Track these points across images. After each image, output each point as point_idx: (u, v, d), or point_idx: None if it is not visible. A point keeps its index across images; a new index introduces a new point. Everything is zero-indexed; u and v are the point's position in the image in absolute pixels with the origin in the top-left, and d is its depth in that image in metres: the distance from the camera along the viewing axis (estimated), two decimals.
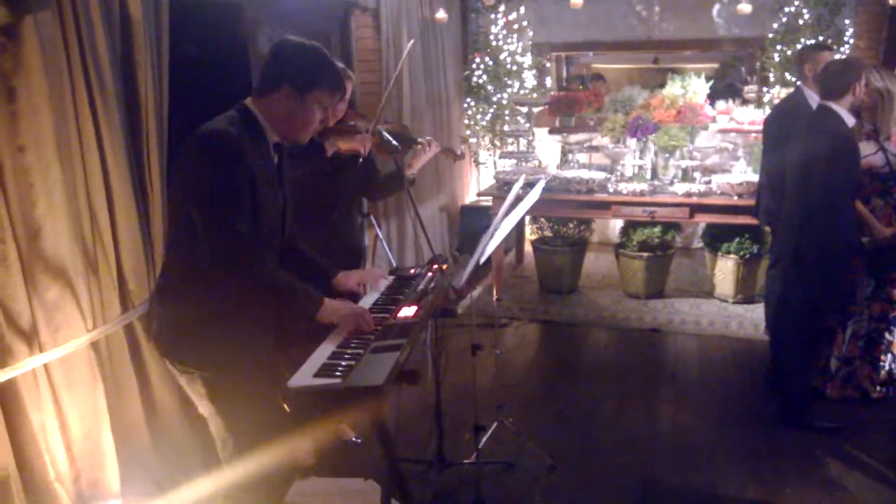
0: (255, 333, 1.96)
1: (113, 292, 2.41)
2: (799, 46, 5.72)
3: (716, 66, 8.72)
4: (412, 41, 3.45)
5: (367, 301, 2.18)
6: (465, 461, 2.87)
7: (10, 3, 1.95)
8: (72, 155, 2.21)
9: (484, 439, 2.88)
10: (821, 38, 5.67)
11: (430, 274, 2.34)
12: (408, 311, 1.96)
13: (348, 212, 3.05)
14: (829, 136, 3.13)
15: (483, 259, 2.35)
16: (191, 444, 2.65)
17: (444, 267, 2.41)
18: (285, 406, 1.59)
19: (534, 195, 2.78)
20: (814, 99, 3.83)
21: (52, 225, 2.13)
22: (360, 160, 2.89)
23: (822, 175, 3.11)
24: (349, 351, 1.74)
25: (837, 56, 4.14)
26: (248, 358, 1.94)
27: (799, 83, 4.07)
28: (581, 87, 9.31)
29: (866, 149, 3.22)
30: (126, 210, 2.41)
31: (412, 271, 2.44)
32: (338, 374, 1.59)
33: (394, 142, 2.77)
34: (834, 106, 3.18)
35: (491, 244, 2.36)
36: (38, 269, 2.11)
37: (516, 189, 2.55)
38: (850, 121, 3.18)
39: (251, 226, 1.84)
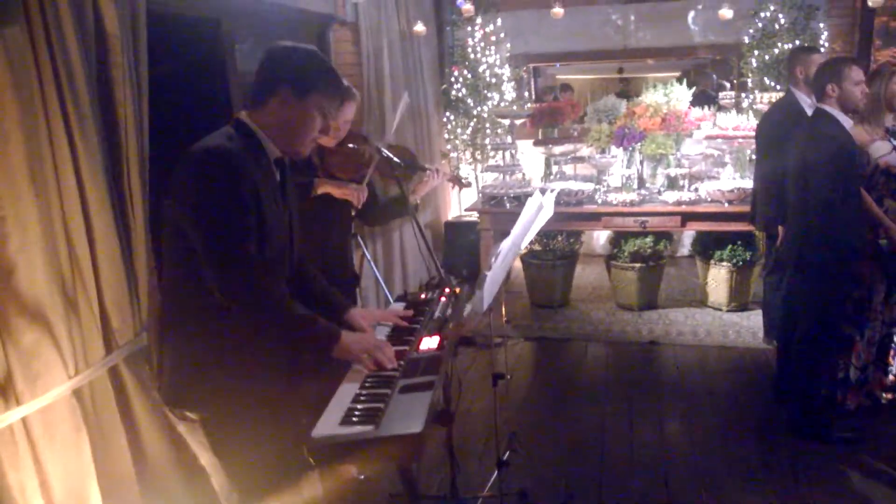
0: (262, 373, 1.77)
1: (95, 332, 2.18)
2: (776, 51, 5.75)
3: (677, 74, 8.75)
4: (406, 95, 3.31)
5: (381, 331, 2.00)
6: (481, 495, 2.70)
7: None
8: (46, 183, 1.98)
9: (495, 473, 2.71)
10: (797, 42, 5.69)
11: (443, 299, 2.17)
12: (430, 343, 1.78)
13: (342, 237, 2.87)
14: (821, 141, 3.07)
15: (503, 282, 2.19)
16: (186, 496, 2.42)
17: (458, 291, 2.25)
18: (311, 459, 1.40)
19: (547, 211, 2.63)
20: (805, 102, 3.80)
21: (27, 262, 1.90)
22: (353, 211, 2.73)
23: (819, 180, 3.05)
24: (375, 391, 1.56)
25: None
26: (255, 401, 1.75)
27: (790, 86, 4.03)
28: (554, 98, 9.29)
29: (881, 149, 3.15)
30: (107, 241, 2.19)
31: (423, 296, 2.27)
32: (368, 420, 1.41)
33: (400, 163, 2.61)
34: (828, 108, 3.12)
35: (504, 265, 2.20)
36: (13, 312, 1.89)
37: (532, 207, 2.39)
38: (847, 122, 3.13)
39: (258, 248, 1.66)
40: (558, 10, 5.21)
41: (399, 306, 2.20)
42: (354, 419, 1.43)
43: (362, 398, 1.52)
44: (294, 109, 1.76)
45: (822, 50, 5.71)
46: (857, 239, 3.11)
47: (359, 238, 3.98)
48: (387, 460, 1.42)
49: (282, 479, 1.81)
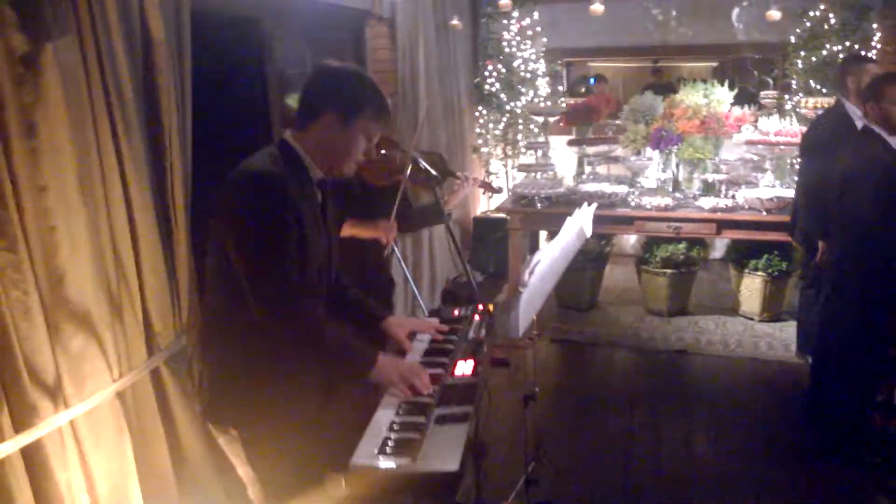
0: (299, 392, 1.80)
1: (139, 336, 2.24)
2: (824, 53, 5.60)
3: (715, 64, 8.55)
4: (426, 100, 3.26)
5: (418, 346, 2.02)
6: None
7: (28, 30, 1.78)
8: (95, 193, 2.03)
9: (521, 481, 2.73)
10: (847, 44, 5.54)
11: (477, 317, 2.17)
12: (465, 367, 1.79)
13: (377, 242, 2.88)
14: (866, 160, 3.02)
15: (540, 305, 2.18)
16: (223, 499, 2.48)
17: (491, 308, 2.25)
18: (344, 485, 1.43)
19: (586, 231, 2.60)
20: (856, 114, 3.70)
21: (76, 271, 1.95)
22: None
23: (861, 201, 3.01)
24: (411, 420, 1.57)
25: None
26: (292, 419, 1.78)
27: (840, 97, 3.93)
28: (585, 89, 9.19)
29: None
30: (151, 248, 2.24)
31: (456, 313, 2.28)
32: (405, 452, 1.43)
33: (433, 171, 2.60)
34: (875, 127, 3.06)
35: (543, 291, 2.19)
36: (62, 318, 1.94)
37: (571, 231, 2.37)
38: (893, 141, 3.06)
39: (300, 273, 1.69)
40: (597, 7, 5.11)
41: (434, 320, 2.21)
42: (391, 450, 1.45)
43: (398, 427, 1.54)
44: (340, 133, 1.77)
45: (875, 53, 5.57)
46: None
47: None
48: (421, 495, 1.43)
49: (317, 497, 1.84)
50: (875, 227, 2.96)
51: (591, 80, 8.88)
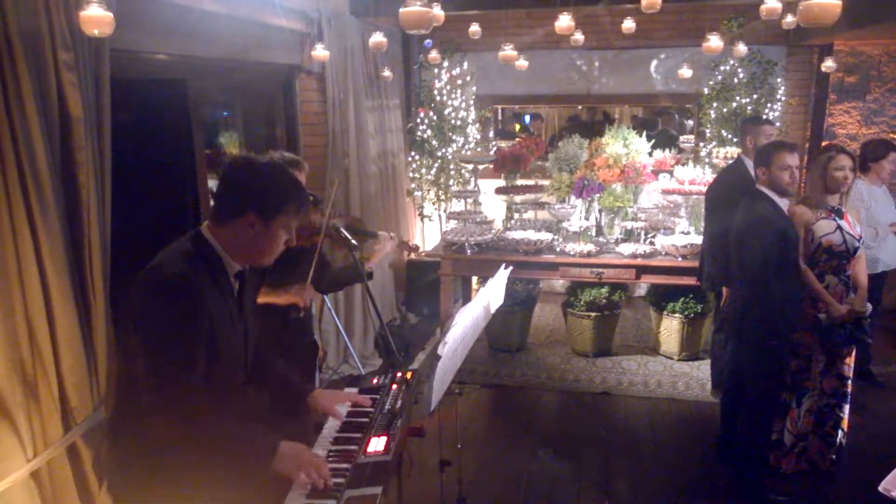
0: (206, 480, 1.80)
1: (55, 413, 2.24)
2: (734, 104, 5.98)
3: (640, 107, 8.98)
4: (338, 180, 3.36)
5: (331, 426, 2.07)
6: None
7: None
8: (9, 274, 2.05)
9: None
10: (755, 97, 5.93)
11: (394, 387, 2.26)
12: (378, 444, 1.87)
13: (298, 310, 2.92)
14: (753, 221, 3.23)
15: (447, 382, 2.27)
16: None
17: (409, 376, 2.33)
18: None
19: (497, 300, 2.73)
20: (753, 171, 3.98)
21: None
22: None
23: (753, 260, 3.21)
24: (324, 502, 1.64)
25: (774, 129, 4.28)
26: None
27: (741, 154, 4.22)
28: (520, 127, 9.46)
29: (825, 228, 3.32)
30: (67, 326, 2.25)
31: (375, 381, 2.35)
32: None
33: (352, 240, 2.69)
34: (763, 189, 3.30)
35: (454, 361, 2.29)
36: None
37: (477, 309, 2.49)
38: (782, 202, 3.30)
39: (205, 373, 1.71)
40: (522, 63, 5.35)
41: (353, 391, 2.28)
42: None
43: None
44: (261, 231, 1.80)
45: (779, 104, 5.98)
46: (794, 314, 3.27)
47: None
48: None
49: None
50: (768, 284, 3.17)
51: (527, 119, 9.17)
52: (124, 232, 2.65)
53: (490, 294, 2.65)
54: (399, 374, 2.34)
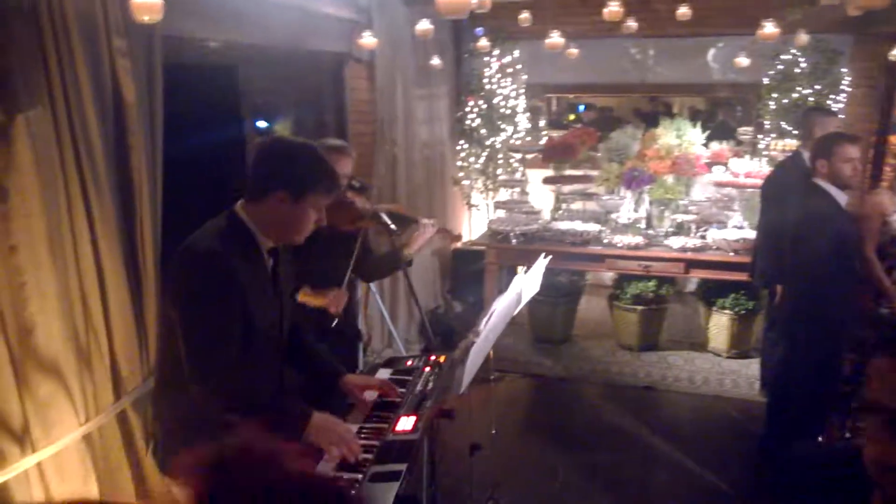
0: None
1: (106, 381, 2.35)
2: (795, 95, 5.77)
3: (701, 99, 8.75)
4: (395, 149, 3.38)
5: (371, 393, 2.12)
6: None
7: (0, 104, 1.91)
8: (64, 250, 2.16)
9: None
10: (817, 87, 5.71)
11: (427, 369, 2.29)
12: (406, 423, 1.90)
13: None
14: (812, 217, 3.14)
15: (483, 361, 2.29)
16: None
17: (442, 359, 2.36)
18: None
19: (532, 287, 2.73)
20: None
21: (45, 322, 2.08)
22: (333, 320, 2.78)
23: (810, 257, 3.12)
24: (348, 476, 1.68)
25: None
26: None
27: (800, 147, 4.07)
28: (574, 117, 9.35)
29: None
30: (119, 299, 2.36)
31: (409, 363, 2.39)
32: None
33: (392, 226, 2.73)
34: (820, 183, 3.18)
35: (486, 345, 2.30)
36: (31, 367, 2.06)
37: (512, 294, 2.49)
38: (842, 197, 3.18)
39: (239, 348, 1.78)
40: (572, 51, 5.30)
41: (386, 373, 2.32)
42: None
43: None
44: (290, 210, 1.85)
45: (843, 96, 5.74)
46: (849, 314, 3.16)
47: None
48: None
49: None
50: (825, 282, 3.07)
51: (581, 108, 9.07)
52: (176, 213, 2.75)
53: (525, 282, 2.65)
54: (433, 358, 2.37)
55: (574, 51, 5.35)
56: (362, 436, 1.91)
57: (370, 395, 2.15)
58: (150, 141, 2.54)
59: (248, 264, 1.84)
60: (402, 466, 1.70)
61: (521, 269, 6.44)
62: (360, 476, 1.69)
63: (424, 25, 4.01)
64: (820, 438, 3.44)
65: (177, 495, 1.96)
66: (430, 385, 2.16)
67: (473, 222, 6.96)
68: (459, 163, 6.42)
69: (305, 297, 2.69)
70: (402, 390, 2.16)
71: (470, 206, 6.59)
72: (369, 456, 1.78)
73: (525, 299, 2.69)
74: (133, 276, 2.45)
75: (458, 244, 6.66)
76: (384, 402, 2.11)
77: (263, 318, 1.88)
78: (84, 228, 2.22)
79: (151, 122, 2.56)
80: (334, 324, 2.69)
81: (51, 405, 2.14)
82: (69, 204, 2.17)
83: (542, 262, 2.88)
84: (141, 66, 2.50)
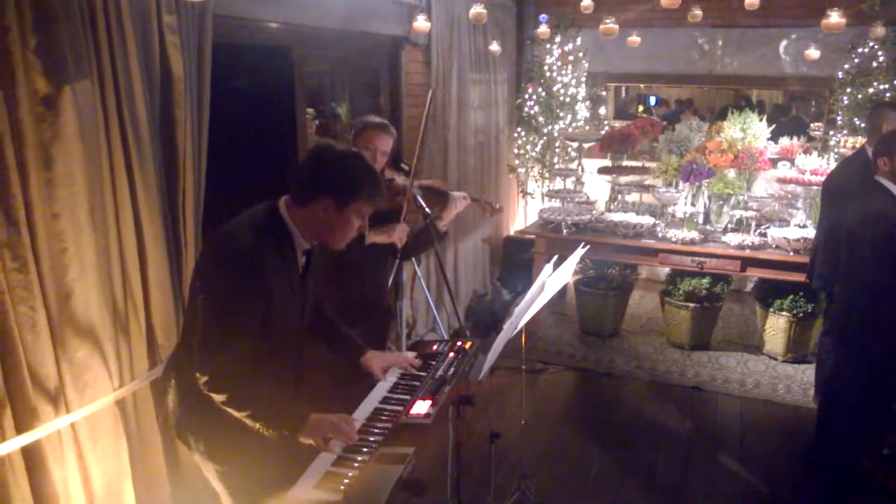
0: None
1: (142, 349, 2.44)
2: (871, 91, 5.45)
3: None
4: (431, 92, 3.38)
5: (384, 385, 2.13)
6: None
7: (49, 75, 1.99)
8: (106, 218, 2.24)
9: None
10: (895, 82, 5.37)
11: (451, 354, 2.28)
12: (421, 407, 1.90)
13: (374, 274, 3.01)
14: (871, 217, 2.97)
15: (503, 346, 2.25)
16: (211, 495, 2.65)
17: (468, 345, 2.35)
18: None
19: (563, 278, 2.67)
20: None
21: (83, 288, 2.16)
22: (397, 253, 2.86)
23: (867, 259, 2.96)
24: (353, 456, 1.69)
25: None
26: (255, 441, 1.89)
27: (866, 143, 3.85)
28: (641, 108, 9.09)
29: None
30: (158, 269, 2.44)
31: (435, 347, 2.38)
32: (340, 487, 1.55)
33: (427, 209, 2.73)
34: (882, 181, 3.02)
35: (509, 332, 2.27)
36: (68, 331, 2.15)
37: (539, 283, 2.45)
38: None
39: (252, 345, 1.81)
40: (635, 39, 5.15)
41: (411, 355, 2.33)
42: (328, 484, 1.57)
43: (342, 462, 1.66)
44: (335, 216, 1.87)
45: None
46: None
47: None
48: None
49: None
50: (881, 286, 2.90)
51: (653, 101, 8.79)
52: (224, 192, 2.81)
53: (555, 272, 2.59)
54: (458, 343, 2.36)
55: (636, 39, 5.19)
56: (376, 418, 1.92)
57: (392, 375, 2.17)
58: (197, 116, 2.60)
59: (281, 264, 1.87)
60: (410, 450, 1.69)
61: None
62: (366, 458, 1.69)
63: (477, 9, 3.96)
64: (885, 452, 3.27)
65: (196, 460, 2.01)
66: (451, 371, 2.15)
67: (529, 210, 6.88)
68: (516, 150, 6.36)
69: (376, 237, 2.74)
70: (424, 374, 2.16)
71: (525, 194, 6.52)
72: (380, 438, 1.79)
73: (553, 289, 2.64)
74: (173, 248, 2.52)
75: (510, 232, 6.62)
76: (403, 384, 2.12)
77: (284, 316, 1.90)
78: (126, 199, 2.30)
79: (199, 98, 2.62)
80: (399, 255, 2.86)
81: (86, 369, 2.22)
82: (112, 174, 2.25)
83: (577, 253, 2.82)
84: (191, 43, 2.56)
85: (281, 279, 1.86)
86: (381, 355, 2.24)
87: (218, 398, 1.80)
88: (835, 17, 3.56)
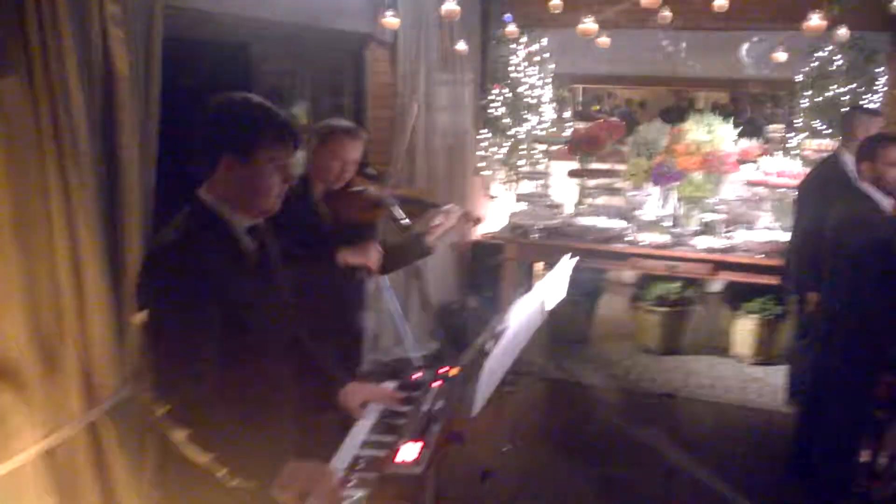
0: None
1: (75, 389, 2.11)
2: (830, 94, 5.46)
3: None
4: (417, 106, 3.15)
5: (363, 425, 1.90)
6: None
7: None
8: (35, 240, 1.95)
9: None
10: (853, 86, 5.40)
11: (435, 384, 2.06)
12: (409, 452, 1.68)
13: (348, 292, 2.77)
14: (855, 224, 2.96)
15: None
16: None
17: (453, 372, 2.13)
18: None
19: (559, 287, 2.50)
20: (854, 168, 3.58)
21: (6, 323, 1.87)
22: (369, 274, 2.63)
23: (851, 266, 2.95)
24: None
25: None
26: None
27: (841, 146, 3.80)
28: (597, 107, 9.05)
29: None
30: (98, 297, 2.13)
31: (415, 376, 2.17)
32: None
33: (404, 220, 2.51)
34: (864, 188, 3.00)
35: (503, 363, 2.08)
36: None
37: (530, 309, 2.27)
38: (886, 202, 2.99)
39: (219, 358, 1.56)
40: (604, 40, 5.03)
41: (391, 385, 2.11)
42: None
43: None
44: (243, 173, 1.61)
45: (878, 96, 5.42)
46: (890, 329, 2.94)
47: None
48: None
49: None
50: (863, 290, 2.87)
51: (598, 102, 8.77)
52: (178, 196, 2.54)
53: (548, 289, 2.42)
54: (442, 370, 2.14)
55: (606, 39, 5.07)
56: (357, 468, 1.69)
57: (373, 411, 1.95)
58: (144, 118, 2.33)
59: (222, 252, 1.61)
60: None
61: (538, 264, 6.22)
62: None
63: (450, 6, 3.74)
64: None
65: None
66: (438, 405, 1.93)
67: (493, 214, 6.71)
68: (481, 152, 6.18)
69: (349, 257, 2.54)
70: (409, 409, 1.95)
71: (490, 197, 6.34)
72: (362, 494, 1.56)
73: (549, 309, 2.47)
74: (115, 268, 2.22)
75: (478, 237, 6.44)
76: (384, 423, 1.90)
77: (253, 315, 1.65)
78: (61, 213, 2.00)
79: (147, 99, 2.35)
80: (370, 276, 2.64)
81: (7, 417, 1.93)
82: (45, 187, 1.96)
83: (567, 264, 2.64)
84: (137, 37, 2.29)
85: (229, 270, 1.60)
86: (360, 388, 2.01)
87: (180, 434, 1.51)
88: (815, 20, 3.49)
